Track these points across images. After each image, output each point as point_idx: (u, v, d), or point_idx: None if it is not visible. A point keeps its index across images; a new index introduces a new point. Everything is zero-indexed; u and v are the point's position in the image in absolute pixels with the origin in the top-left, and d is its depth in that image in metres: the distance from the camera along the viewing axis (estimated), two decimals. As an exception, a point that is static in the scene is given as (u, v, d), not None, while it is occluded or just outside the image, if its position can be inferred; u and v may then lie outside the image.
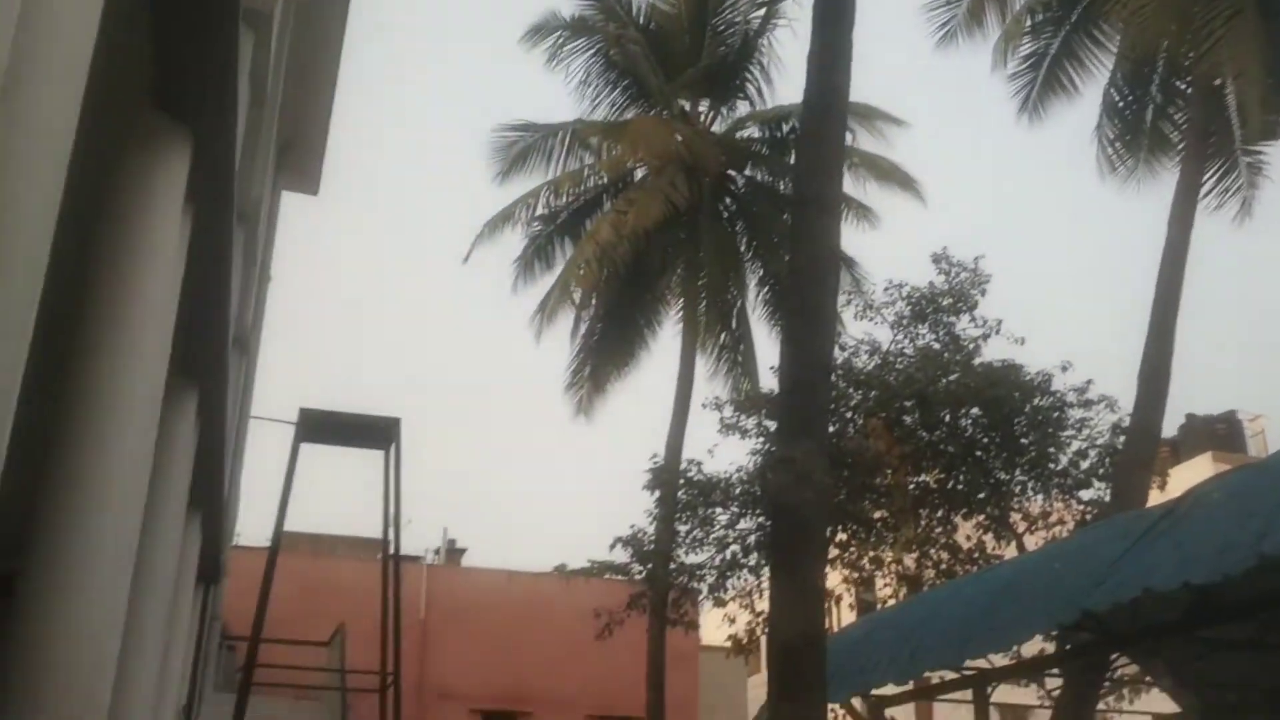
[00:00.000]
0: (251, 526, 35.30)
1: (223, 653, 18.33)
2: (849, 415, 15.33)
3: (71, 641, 4.33)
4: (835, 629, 13.68)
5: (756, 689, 26.23)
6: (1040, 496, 15.44)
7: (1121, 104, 14.90)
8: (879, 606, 15.97)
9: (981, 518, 15.41)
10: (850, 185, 18.56)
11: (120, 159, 4.71)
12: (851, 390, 15.32)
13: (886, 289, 15.99)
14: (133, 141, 4.74)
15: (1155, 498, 11.89)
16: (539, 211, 19.89)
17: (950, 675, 9.97)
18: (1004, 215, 76.39)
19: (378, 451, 9.41)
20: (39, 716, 4.18)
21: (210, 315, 6.77)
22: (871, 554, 15.43)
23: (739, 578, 15.78)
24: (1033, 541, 14.97)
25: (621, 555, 16.45)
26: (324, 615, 18.60)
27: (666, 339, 20.37)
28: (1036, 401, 14.94)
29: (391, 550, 9.28)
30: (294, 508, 9.59)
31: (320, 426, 9.11)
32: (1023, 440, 14.89)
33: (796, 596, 7.27)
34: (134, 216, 4.72)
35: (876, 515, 15.20)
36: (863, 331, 16.14)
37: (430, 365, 79.20)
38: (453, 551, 29.60)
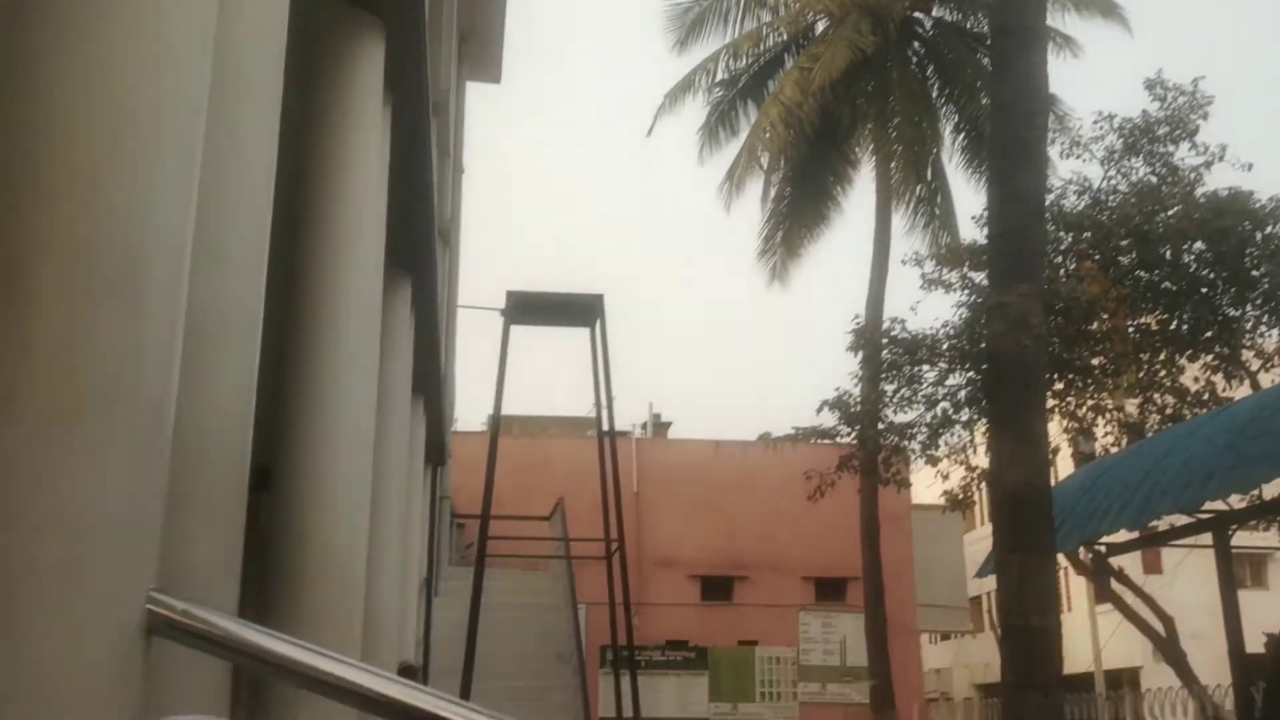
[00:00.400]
0: (465, 413, 36.96)
1: (453, 530, 19.43)
2: (1060, 260, 14.61)
3: (328, 522, 4.64)
4: (1054, 481, 13.32)
5: (972, 545, 26.06)
6: (1276, 331, 14.41)
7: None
8: (1098, 457, 15.42)
9: (1210, 358, 14.53)
10: (1048, 14, 17.36)
11: (322, 55, 4.83)
12: (1061, 233, 14.56)
13: (1095, 122, 14.98)
14: (331, 37, 4.84)
15: None
16: (719, 77, 19.50)
17: (1182, 520, 9.58)
18: (1220, 36, 70.09)
19: (583, 329, 9.58)
20: (307, 591, 4.51)
21: (415, 205, 6.97)
22: (1091, 402, 14.83)
23: (952, 434, 15.48)
24: (1268, 380, 14.04)
25: (828, 419, 16.39)
26: (541, 492, 19.42)
27: (859, 197, 19.89)
28: (1269, 230, 13.82)
29: (606, 422, 9.51)
30: (507, 391, 9.92)
31: (527, 307, 9.33)
32: (1254, 273, 13.85)
33: (1019, 445, 7.08)
34: (341, 111, 4.85)
35: (1094, 362, 14.55)
36: (1070, 170, 15.26)
37: (624, 243, 79.97)
38: (658, 425, 30.23)
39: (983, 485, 15.69)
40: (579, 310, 9.44)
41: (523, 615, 15.74)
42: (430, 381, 10.40)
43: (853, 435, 16.14)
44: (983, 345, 13.38)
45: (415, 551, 10.88)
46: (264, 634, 1.82)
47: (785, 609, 22.86)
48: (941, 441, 15.51)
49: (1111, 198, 14.70)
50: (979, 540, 26.60)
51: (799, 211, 19.57)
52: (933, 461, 15.76)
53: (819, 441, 17.71)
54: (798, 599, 23.24)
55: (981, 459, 14.86)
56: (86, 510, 1.66)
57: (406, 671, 8.99)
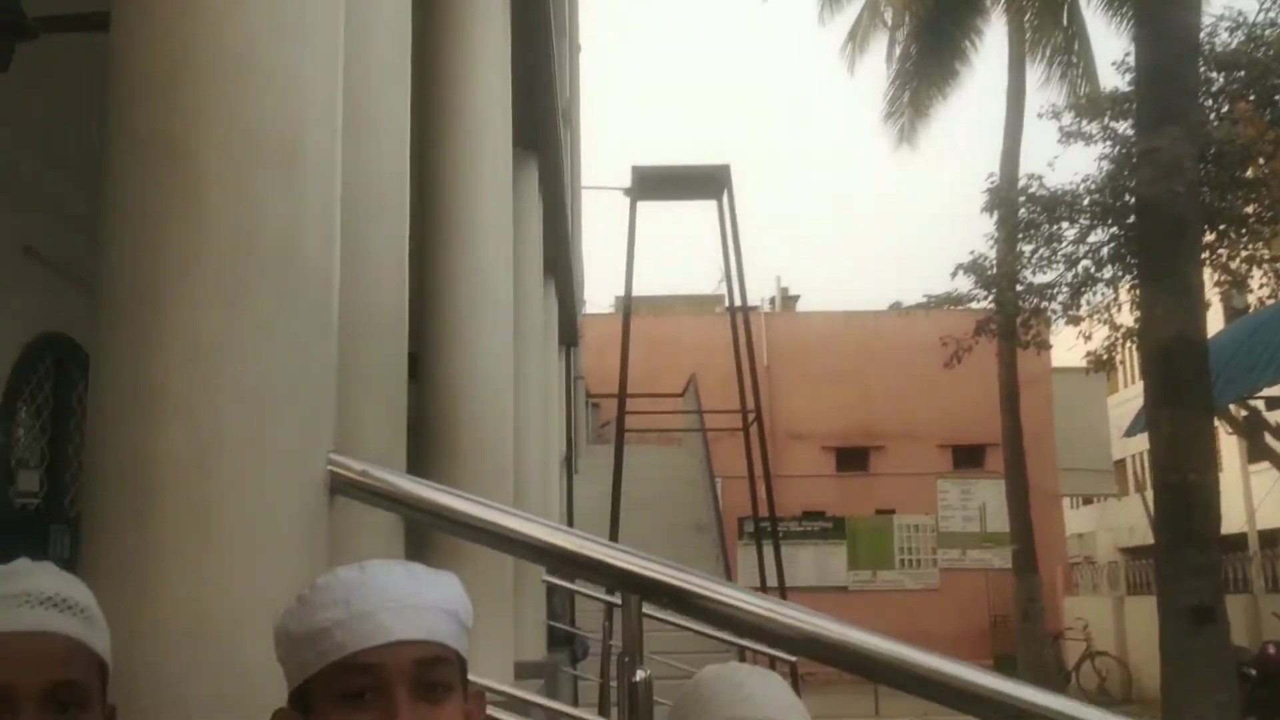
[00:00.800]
0: (591, 295, 37.27)
1: (588, 410, 19.83)
2: (1210, 103, 13.76)
3: (475, 398, 4.75)
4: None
5: (1116, 408, 25.37)
6: None
7: None
8: (1252, 310, 14.73)
9: (1378, 201, 13.62)
10: None
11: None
12: (1212, 74, 13.68)
13: (1250, -51, 13.93)
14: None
15: None
16: (837, -69, 18.68)
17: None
18: None
19: (710, 202, 9.48)
20: (460, 466, 4.64)
21: (537, 83, 6.92)
22: (1245, 253, 14.10)
23: (1094, 293, 14.97)
24: None
25: (963, 284, 16.01)
26: (671, 370, 19.59)
27: (990, 51, 18.97)
28: None
29: (737, 292, 9.47)
30: (634, 270, 9.90)
31: (653, 182, 9.26)
32: None
33: (1172, 297, 6.80)
34: (461, -10, 4.80)
35: (1249, 210, 13.77)
36: (1222, 5, 14.24)
37: (744, 115, 78.40)
38: (786, 299, 30.02)
39: (1127, 345, 15.20)
40: (705, 183, 9.33)
41: (661, 490, 16.05)
42: (560, 262, 10.48)
43: (989, 299, 15.74)
44: (1128, 198, 12.81)
45: (554, 430, 11.12)
46: (442, 490, 1.89)
47: (922, 477, 22.78)
48: (1083, 301, 15.02)
49: (1269, 32, 13.71)
50: (1123, 402, 25.87)
51: (926, 69, 18.79)
52: (1074, 322, 15.30)
53: (952, 308, 17.36)
54: (935, 467, 23.11)
55: (1126, 317, 14.37)
56: (265, 377, 1.73)
57: (554, 544, 9.25)
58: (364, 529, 2.26)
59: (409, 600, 1.20)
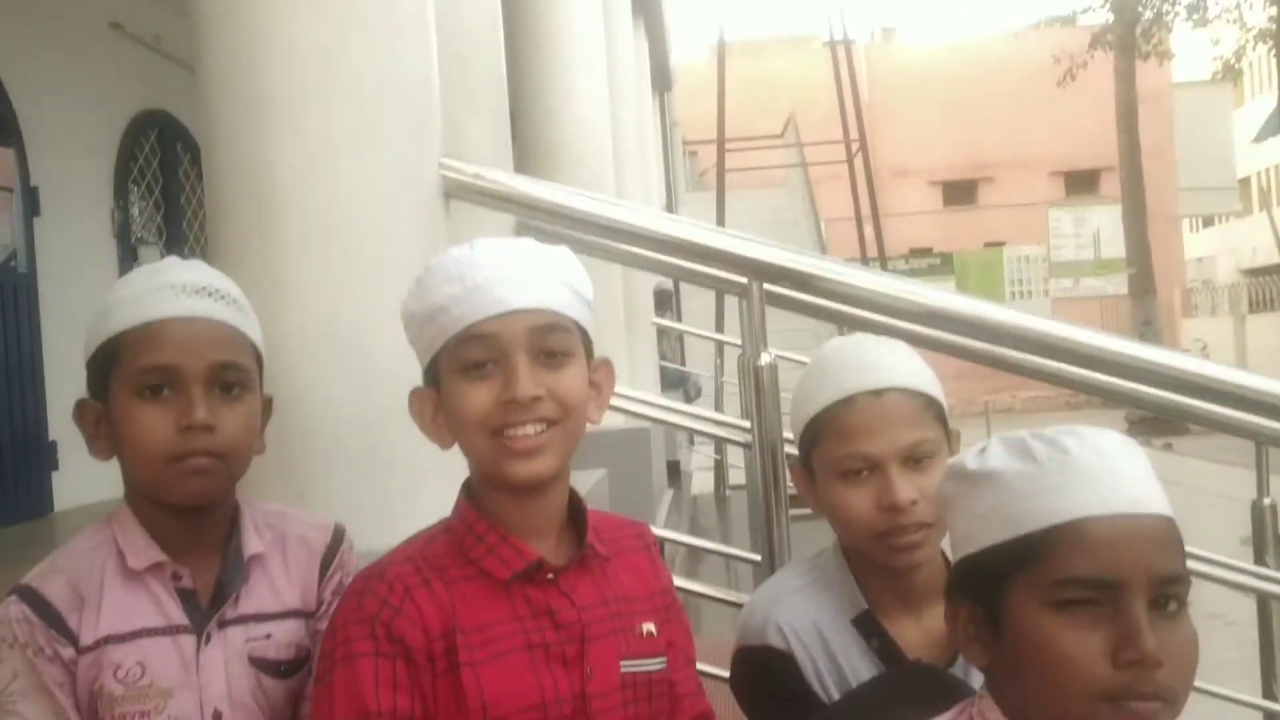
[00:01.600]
0: (683, 44, 36.02)
1: (685, 158, 19.53)
2: None
3: (574, 136, 4.73)
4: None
5: (1243, 122, 24.04)
6: None
7: None
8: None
9: None
10: None
11: None
12: None
13: None
14: None
15: None
16: None
17: None
18: None
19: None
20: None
21: None
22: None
23: (1223, -8, 13.90)
24: None
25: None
26: (769, 113, 19.06)
27: None
28: None
29: (836, 15, 9.03)
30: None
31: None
32: None
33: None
34: None
35: None
36: None
37: None
38: (886, 33, 28.74)
39: (1258, 49, 14.22)
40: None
41: (764, 233, 15.71)
42: (649, 2, 10.10)
43: (1105, 5, 14.73)
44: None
45: (653, 177, 11.01)
46: (557, 188, 1.89)
47: (1033, 207, 22.19)
48: (1210, 1, 13.97)
49: None
50: (1249, 116, 24.50)
51: None
52: (1201, 24, 14.29)
53: (1065, 26, 16.36)
54: (1046, 195, 22.46)
55: (1259, 17, 13.37)
56: (369, 80, 1.71)
57: (661, 292, 9.28)
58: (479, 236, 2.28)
59: (521, 271, 1.21)
